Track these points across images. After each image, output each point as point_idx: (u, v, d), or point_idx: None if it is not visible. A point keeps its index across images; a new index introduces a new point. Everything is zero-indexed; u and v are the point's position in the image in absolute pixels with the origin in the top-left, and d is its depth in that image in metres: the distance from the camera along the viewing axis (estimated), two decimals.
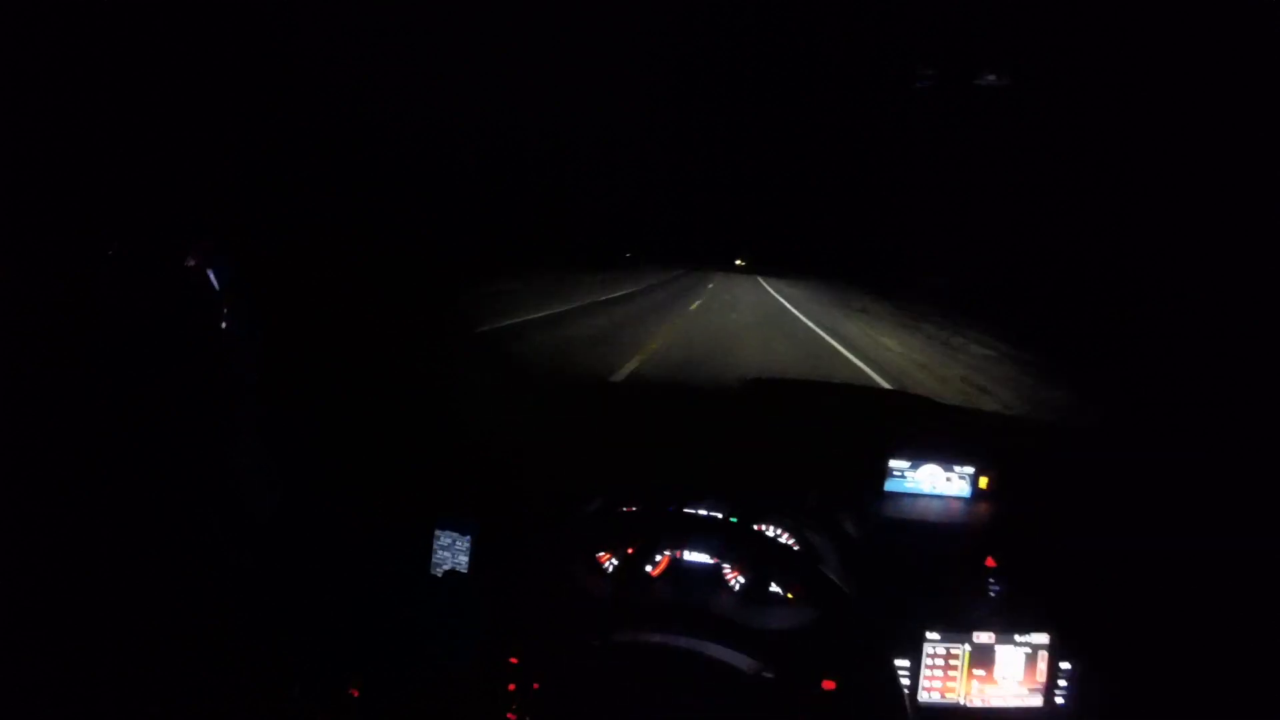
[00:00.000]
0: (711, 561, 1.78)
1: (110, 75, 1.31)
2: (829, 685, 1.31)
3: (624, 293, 13.15)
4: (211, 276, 1.44)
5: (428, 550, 1.66)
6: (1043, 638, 1.65)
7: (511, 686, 1.34)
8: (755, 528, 1.79)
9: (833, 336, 9.74)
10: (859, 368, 7.11)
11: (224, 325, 1.49)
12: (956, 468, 1.96)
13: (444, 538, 1.66)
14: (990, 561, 1.72)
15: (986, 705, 1.65)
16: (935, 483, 1.96)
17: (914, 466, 1.96)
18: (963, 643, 1.64)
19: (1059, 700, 1.66)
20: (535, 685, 1.36)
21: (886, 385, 5.93)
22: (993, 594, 1.68)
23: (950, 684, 1.64)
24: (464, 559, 1.65)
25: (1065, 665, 1.66)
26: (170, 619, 1.33)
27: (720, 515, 1.80)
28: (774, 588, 1.74)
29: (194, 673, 1.33)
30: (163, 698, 1.28)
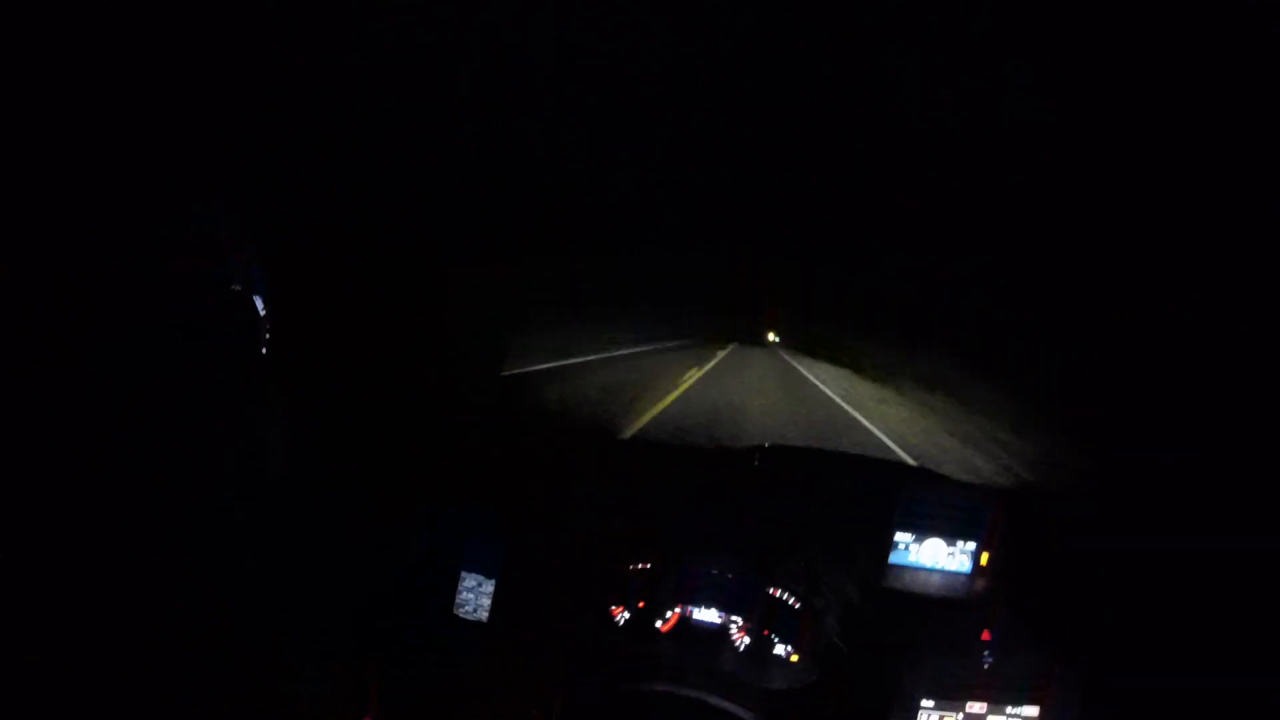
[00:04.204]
0: (719, 621, 1.86)
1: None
2: None
3: None
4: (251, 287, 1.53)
5: (452, 591, 1.76)
6: (1033, 710, 1.71)
7: None
8: (762, 590, 1.88)
9: None
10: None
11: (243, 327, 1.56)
12: (959, 543, 2.04)
13: (469, 580, 1.76)
14: (986, 635, 1.79)
15: None
16: (938, 557, 2.04)
17: (918, 540, 2.04)
18: (956, 711, 1.70)
19: None
20: None
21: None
22: (986, 665, 1.75)
23: None
24: (486, 602, 1.75)
25: None
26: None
27: (731, 576, 1.89)
28: (778, 649, 1.82)
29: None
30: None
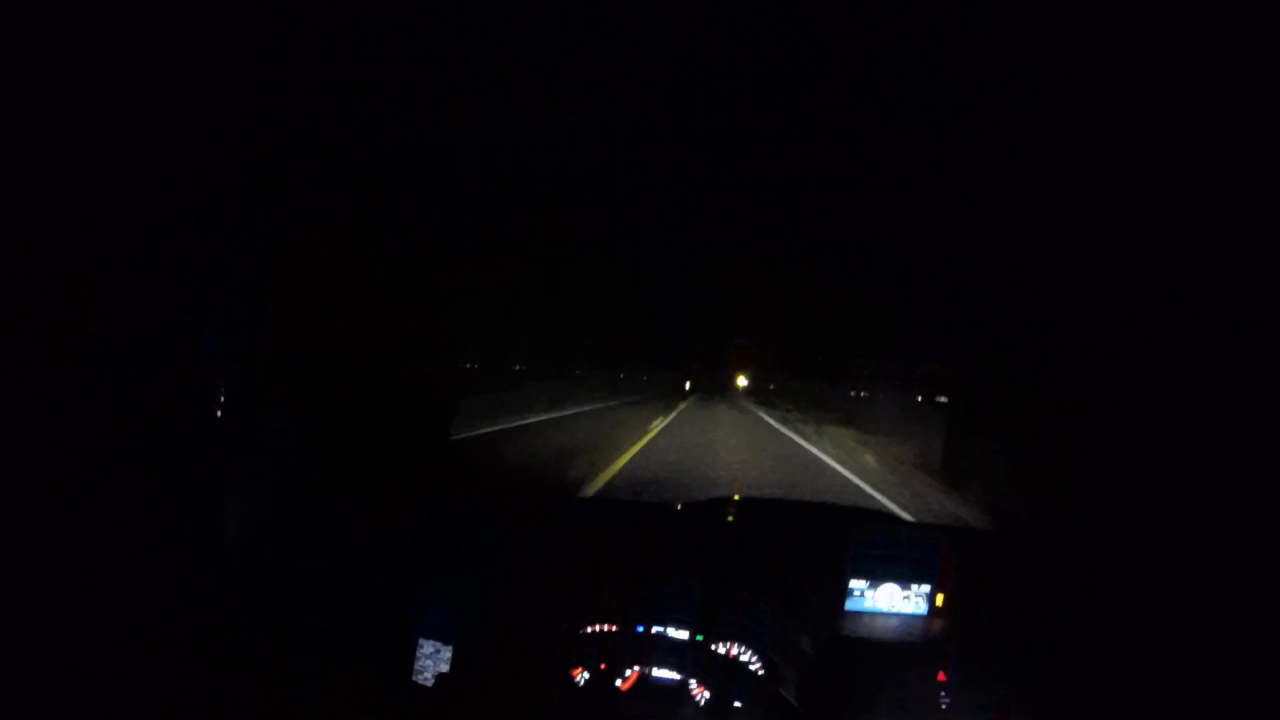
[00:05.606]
0: (678, 678, 1.87)
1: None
2: None
3: None
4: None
5: (410, 658, 1.76)
6: None
7: None
8: (719, 648, 1.89)
9: None
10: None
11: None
12: (914, 586, 2.08)
13: (427, 646, 1.76)
14: (942, 676, 1.82)
15: None
16: (893, 601, 2.07)
17: (873, 586, 2.08)
18: None
19: None
20: None
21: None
22: (944, 706, 1.77)
23: None
24: (445, 668, 1.75)
25: None
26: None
27: (686, 634, 1.90)
28: (737, 703, 1.82)
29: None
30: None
